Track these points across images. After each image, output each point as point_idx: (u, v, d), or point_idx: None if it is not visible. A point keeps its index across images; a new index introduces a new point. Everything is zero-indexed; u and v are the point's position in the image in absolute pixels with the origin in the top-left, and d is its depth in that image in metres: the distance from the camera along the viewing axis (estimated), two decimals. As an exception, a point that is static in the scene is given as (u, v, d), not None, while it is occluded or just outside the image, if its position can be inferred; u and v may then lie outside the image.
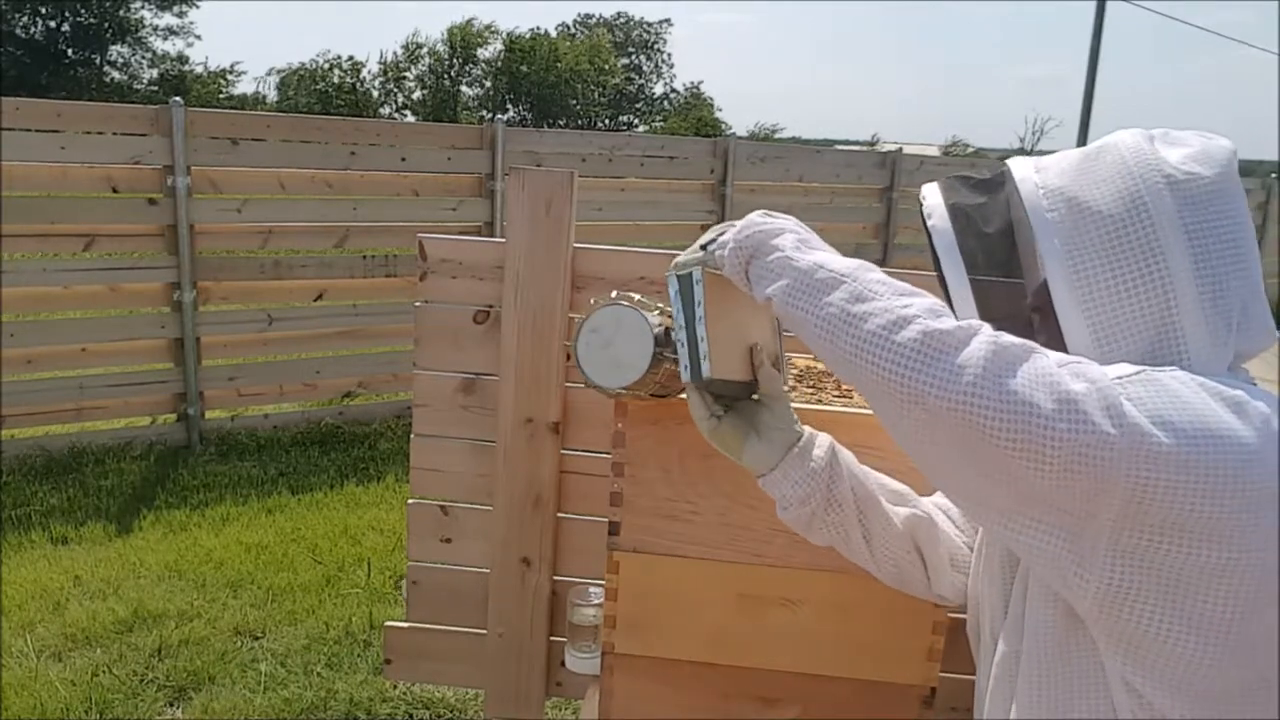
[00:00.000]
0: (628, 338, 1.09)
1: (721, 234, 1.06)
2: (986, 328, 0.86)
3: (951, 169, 9.30)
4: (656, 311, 1.11)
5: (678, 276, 1.05)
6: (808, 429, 1.11)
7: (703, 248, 1.07)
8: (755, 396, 1.11)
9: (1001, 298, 0.96)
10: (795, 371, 1.47)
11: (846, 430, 1.24)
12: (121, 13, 27.13)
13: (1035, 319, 0.94)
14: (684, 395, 1.10)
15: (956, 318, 0.89)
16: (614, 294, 1.12)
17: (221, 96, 27.61)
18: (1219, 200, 0.91)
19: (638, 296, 1.11)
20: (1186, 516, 0.78)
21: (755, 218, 1.04)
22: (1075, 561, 0.83)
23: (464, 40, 31.87)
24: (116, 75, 27.95)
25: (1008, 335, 0.85)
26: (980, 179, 1.03)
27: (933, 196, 1.03)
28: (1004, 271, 0.96)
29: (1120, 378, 0.83)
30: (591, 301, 1.12)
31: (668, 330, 1.07)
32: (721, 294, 1.04)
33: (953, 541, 1.17)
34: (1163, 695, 0.84)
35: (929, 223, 1.01)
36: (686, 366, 1.03)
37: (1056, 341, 0.92)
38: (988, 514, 0.87)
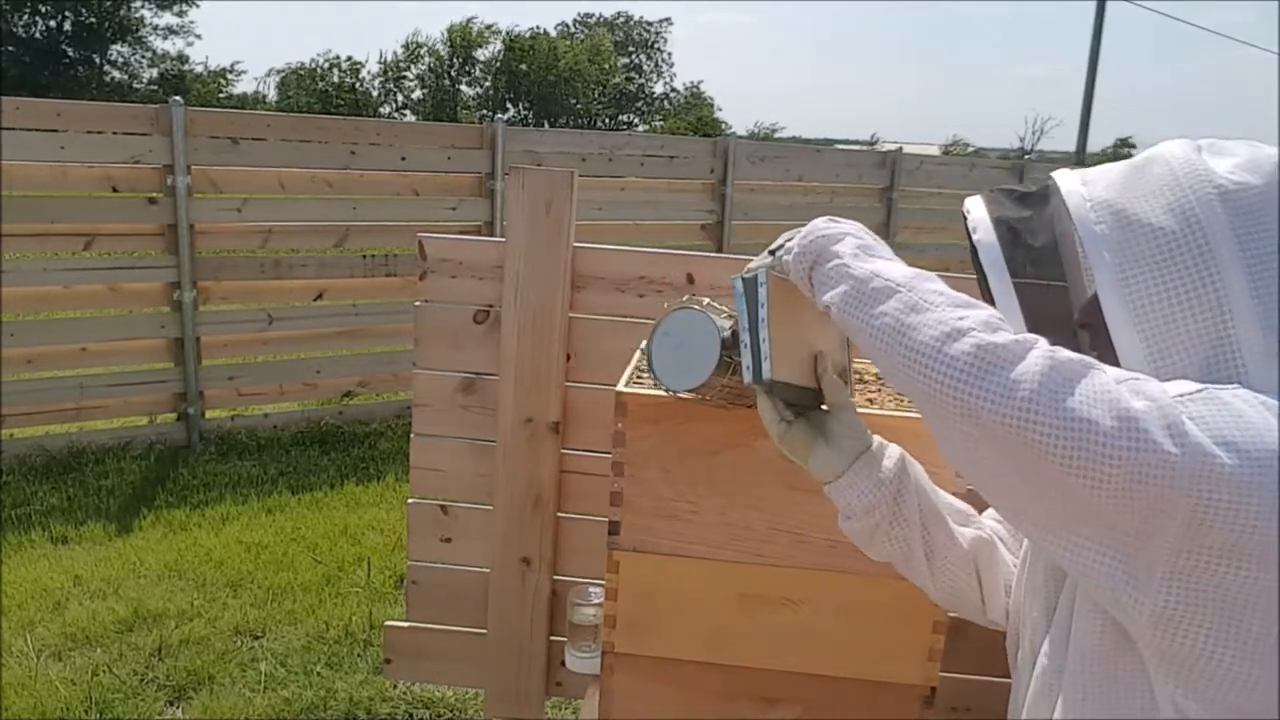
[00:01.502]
0: (695, 340, 1.10)
1: (790, 239, 1.05)
2: (1043, 342, 0.84)
3: (951, 168, 9.30)
4: (726, 316, 1.12)
5: (743, 279, 1.05)
6: (878, 439, 1.10)
7: (771, 253, 1.07)
8: (823, 406, 1.11)
9: (1051, 313, 0.93)
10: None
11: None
12: (121, 12, 27.14)
13: (1085, 335, 0.92)
14: (755, 405, 1.10)
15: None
16: (685, 298, 1.14)
17: (221, 96, 27.61)
18: (1270, 209, 0.88)
19: (708, 300, 1.13)
20: (1248, 539, 0.76)
21: (819, 223, 1.03)
22: (1129, 582, 0.81)
23: (464, 40, 31.88)
24: (116, 75, 27.97)
25: (1065, 350, 0.82)
26: (1026, 192, 1.00)
27: (977, 210, 1.01)
28: (1052, 288, 0.94)
29: (1182, 395, 0.81)
30: (665, 305, 1.14)
31: (736, 334, 1.08)
32: (789, 301, 1.05)
33: (1007, 565, 1.16)
34: (1213, 717, 0.82)
35: (974, 237, 0.99)
36: (749, 368, 1.04)
37: (1109, 358, 0.89)
38: (1039, 531, 0.85)
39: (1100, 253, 0.91)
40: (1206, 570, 0.78)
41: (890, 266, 0.95)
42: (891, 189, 7.78)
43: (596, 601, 1.56)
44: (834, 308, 0.96)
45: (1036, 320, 0.93)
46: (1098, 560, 0.81)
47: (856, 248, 0.99)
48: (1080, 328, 0.92)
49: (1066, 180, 0.98)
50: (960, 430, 0.84)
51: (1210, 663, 0.80)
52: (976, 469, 0.87)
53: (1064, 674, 0.94)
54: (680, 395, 1.13)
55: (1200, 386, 0.83)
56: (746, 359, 1.04)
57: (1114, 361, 0.89)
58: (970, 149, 37.51)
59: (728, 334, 1.09)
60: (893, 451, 1.10)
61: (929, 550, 1.10)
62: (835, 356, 1.14)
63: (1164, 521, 0.77)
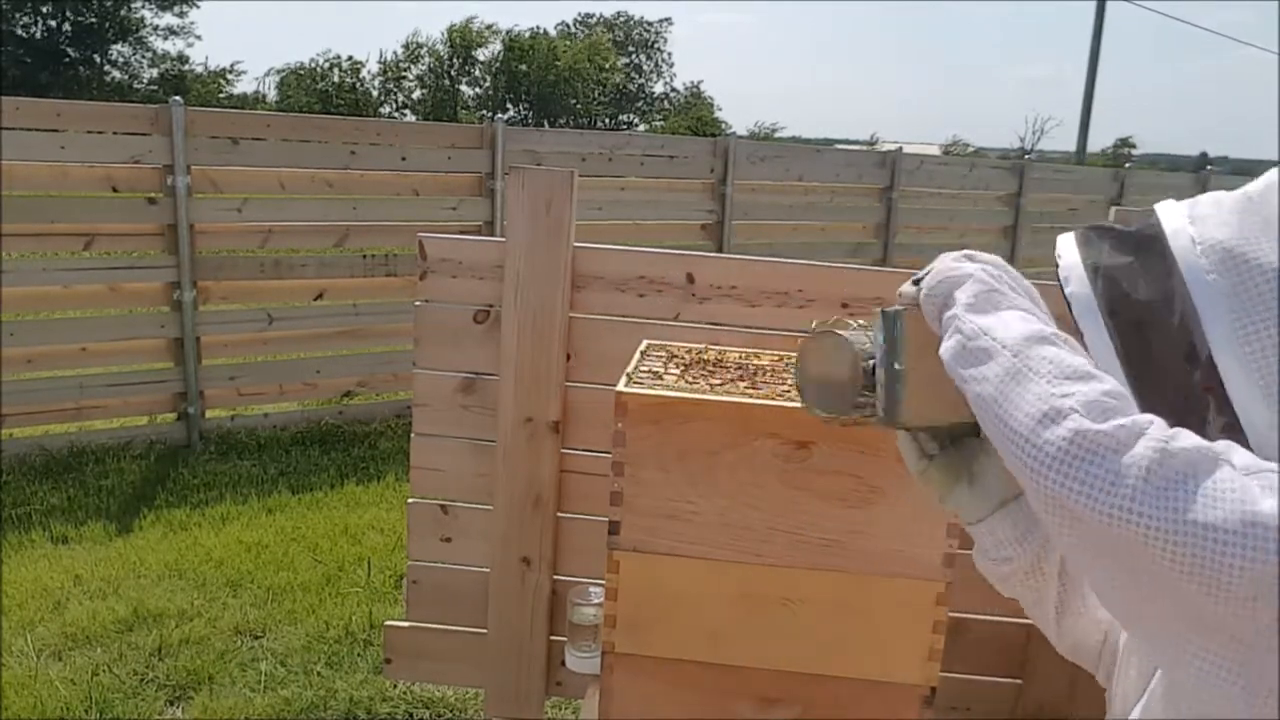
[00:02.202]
0: (836, 370, 1.06)
1: (929, 270, 0.96)
2: (1157, 426, 0.73)
3: (951, 168, 9.29)
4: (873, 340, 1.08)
5: (884, 313, 1.00)
6: None
7: (915, 282, 0.98)
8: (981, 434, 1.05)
9: (1163, 381, 0.81)
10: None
11: (843, 430, 1.24)
12: (122, 12, 27.12)
13: (1210, 402, 0.79)
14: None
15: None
16: (833, 320, 1.10)
17: (221, 96, 27.59)
18: None
19: (857, 323, 1.07)
20: None
21: (946, 261, 0.93)
22: (1243, 691, 0.73)
23: (464, 40, 31.88)
24: (117, 75, 27.95)
25: (1185, 437, 0.72)
26: (1126, 232, 0.88)
27: (1069, 254, 0.89)
28: (1163, 348, 0.81)
29: None
30: (813, 324, 1.11)
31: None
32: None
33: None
34: None
35: (1066, 290, 0.87)
36: (883, 406, 0.99)
37: (1235, 429, 0.77)
38: (1144, 632, 0.77)
39: (1213, 306, 0.79)
40: None
41: (1004, 322, 0.84)
42: (891, 189, 7.78)
43: (596, 601, 1.56)
44: (945, 361, 0.87)
45: (1147, 392, 0.82)
46: (1209, 669, 0.73)
47: (974, 295, 0.88)
48: (1204, 392, 0.79)
49: (1171, 217, 0.85)
50: (1054, 521, 0.76)
51: None
52: (1077, 561, 0.78)
53: None
54: (824, 420, 1.08)
55: None
56: (881, 398, 0.98)
57: (1240, 433, 0.77)
58: (970, 149, 37.50)
59: (869, 364, 1.03)
60: None
61: (1061, 606, 1.03)
62: None
63: None
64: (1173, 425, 0.77)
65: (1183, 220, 0.84)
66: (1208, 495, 0.69)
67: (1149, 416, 0.74)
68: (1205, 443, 0.71)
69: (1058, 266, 0.90)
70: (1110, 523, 0.71)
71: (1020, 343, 0.82)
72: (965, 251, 0.94)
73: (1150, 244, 0.84)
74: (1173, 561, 0.69)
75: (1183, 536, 0.68)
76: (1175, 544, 0.68)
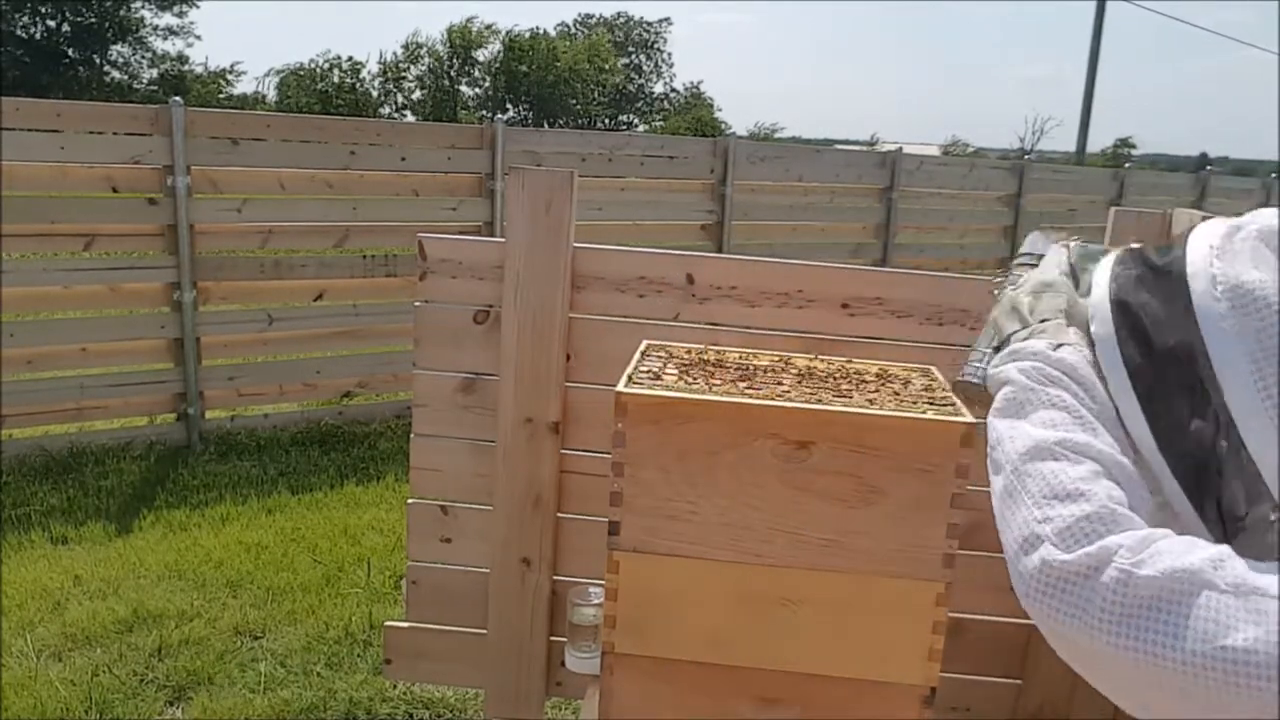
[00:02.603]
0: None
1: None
2: (1127, 549, 0.72)
3: (951, 168, 9.29)
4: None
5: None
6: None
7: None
8: None
9: (1182, 428, 0.79)
10: (795, 372, 1.47)
11: (846, 430, 1.24)
12: (121, 13, 27.11)
13: (1228, 448, 0.76)
14: None
15: (1135, 449, 0.79)
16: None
17: (221, 96, 27.60)
18: None
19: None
20: None
21: (1004, 353, 0.95)
22: None
23: (464, 40, 31.87)
24: (117, 75, 27.95)
25: (1160, 558, 0.70)
26: (1155, 264, 0.85)
27: (1099, 289, 0.87)
28: (1182, 393, 0.79)
29: None
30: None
31: None
32: None
33: None
34: None
35: (1092, 328, 0.86)
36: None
37: (1254, 478, 0.74)
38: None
39: (1226, 349, 0.76)
40: None
41: (1017, 433, 0.85)
42: (891, 189, 7.78)
43: (596, 601, 1.56)
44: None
45: (1168, 437, 0.80)
46: None
47: (1004, 400, 0.89)
48: (1224, 439, 0.76)
49: (1198, 248, 0.81)
50: (1048, 637, 0.78)
51: None
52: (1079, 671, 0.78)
53: None
54: None
55: None
56: None
57: (1259, 481, 0.74)
58: (970, 149, 37.51)
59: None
60: None
61: None
62: None
63: None
64: (1193, 473, 0.78)
65: (1205, 252, 0.81)
66: (1176, 627, 0.67)
67: (1125, 537, 0.73)
68: (1183, 564, 0.69)
69: (1090, 294, 0.90)
70: (1087, 643, 0.72)
71: (1021, 458, 0.83)
72: (1029, 330, 0.93)
73: (1174, 281, 0.81)
74: (1149, 682, 0.69)
75: (1154, 665, 0.68)
76: (1149, 668, 0.68)
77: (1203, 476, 0.78)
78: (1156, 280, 0.83)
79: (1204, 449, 0.78)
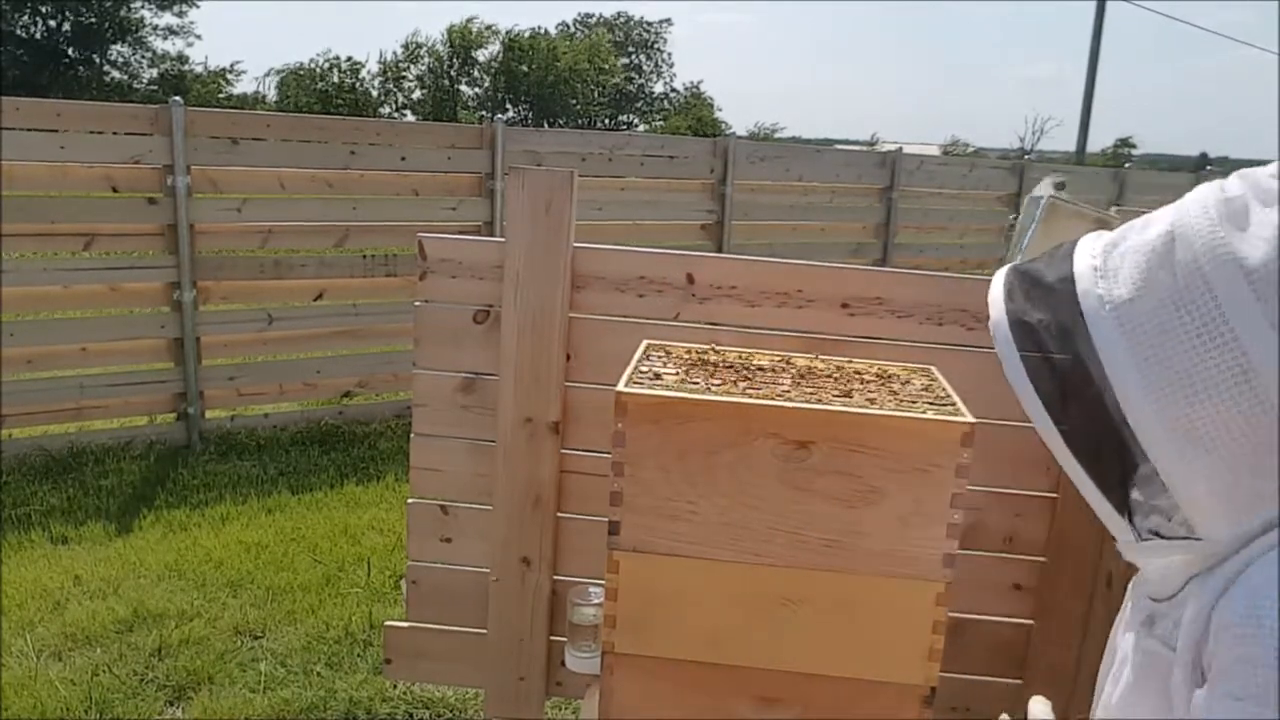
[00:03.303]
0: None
1: None
2: None
3: (951, 168, 9.29)
4: None
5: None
6: None
7: None
8: None
9: (1089, 430, 0.89)
10: (795, 372, 1.47)
11: (846, 430, 1.24)
12: (121, 12, 27.11)
13: (1131, 446, 0.87)
14: None
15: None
16: None
17: (221, 96, 27.59)
18: None
19: None
20: None
21: None
22: None
23: (463, 40, 31.87)
24: (116, 75, 27.95)
25: None
26: (1044, 284, 0.93)
27: (995, 308, 0.95)
28: (1083, 398, 0.88)
29: None
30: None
31: None
32: None
33: None
34: None
35: (995, 345, 0.94)
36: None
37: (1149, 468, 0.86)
38: None
39: (1121, 367, 0.85)
40: None
41: None
42: (891, 189, 7.78)
43: (596, 601, 1.56)
44: None
45: (1072, 437, 0.89)
46: None
47: None
48: (1124, 427, 0.86)
49: (1084, 268, 0.90)
50: None
51: None
52: None
53: None
54: None
55: None
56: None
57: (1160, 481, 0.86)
58: (970, 149, 37.50)
59: None
60: None
61: None
62: None
63: None
64: (1095, 469, 0.89)
65: (1091, 274, 0.89)
66: None
67: None
68: None
69: (989, 317, 0.97)
70: None
71: None
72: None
73: (1064, 299, 0.90)
74: None
75: None
76: None
77: (1103, 460, 0.89)
78: (1048, 298, 0.92)
79: (1106, 444, 0.88)
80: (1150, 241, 0.87)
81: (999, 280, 0.99)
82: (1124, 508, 0.91)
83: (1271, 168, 0.86)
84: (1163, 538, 0.90)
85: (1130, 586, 1.13)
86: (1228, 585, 0.84)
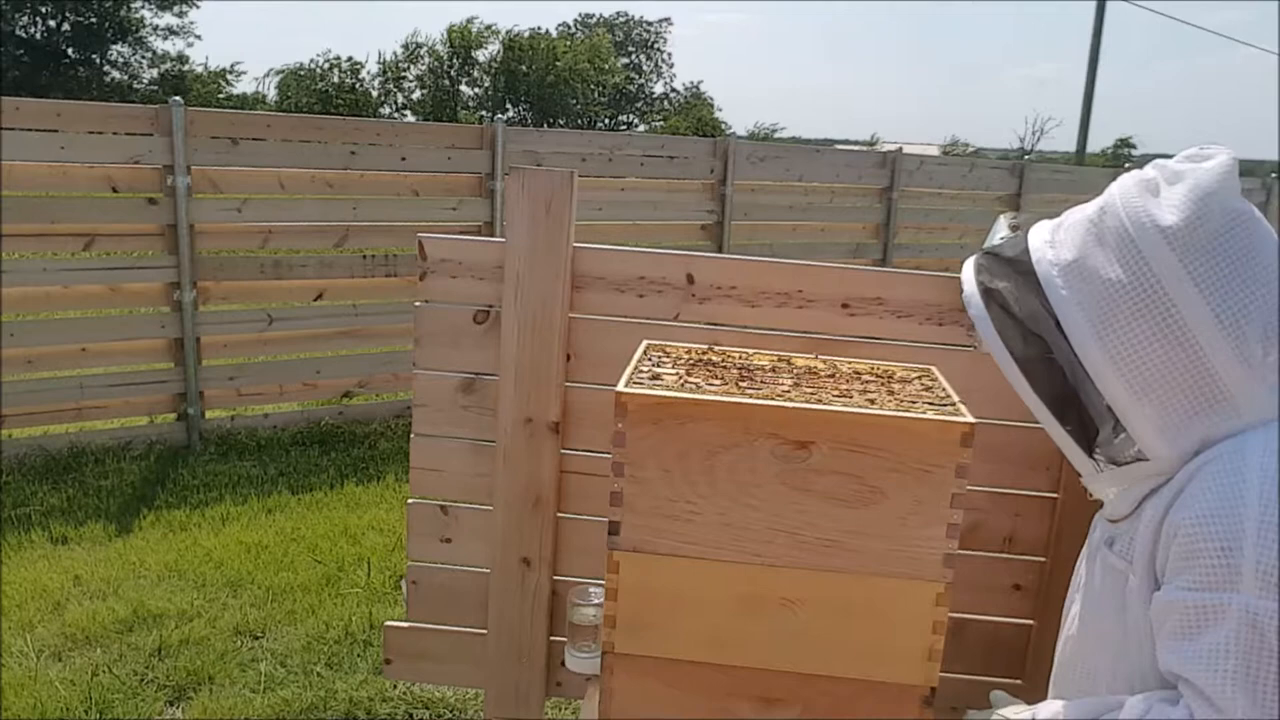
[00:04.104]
0: None
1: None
2: None
3: (951, 168, 9.29)
4: None
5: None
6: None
7: None
8: None
9: (1052, 378, 1.08)
10: (795, 372, 1.46)
11: (846, 430, 1.24)
12: (121, 13, 27.09)
13: (1092, 394, 1.05)
14: None
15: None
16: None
17: (221, 96, 27.58)
18: (1219, 236, 0.97)
19: None
20: None
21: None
22: None
23: (463, 40, 31.86)
24: (117, 75, 27.93)
25: None
26: (1008, 258, 1.15)
27: (968, 282, 1.17)
28: (1044, 351, 1.07)
29: None
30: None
31: None
32: None
33: None
34: None
35: (968, 311, 1.16)
36: None
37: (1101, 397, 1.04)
38: None
39: (1072, 316, 1.03)
40: None
41: None
42: (891, 189, 7.78)
43: (596, 601, 1.56)
44: None
45: (1038, 385, 1.09)
46: None
47: None
48: (1085, 381, 1.06)
49: (1037, 240, 1.11)
50: None
51: None
52: None
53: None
54: None
55: None
56: None
57: (1105, 406, 1.04)
58: (970, 149, 37.48)
59: None
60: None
61: None
62: None
63: None
64: (1059, 411, 1.08)
65: (1044, 244, 1.11)
66: None
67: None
68: None
69: (962, 291, 1.20)
70: None
71: None
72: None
73: (1023, 267, 1.11)
74: None
75: None
76: None
77: (1063, 402, 1.08)
78: (1011, 269, 1.14)
79: (1069, 392, 1.07)
80: (1087, 215, 1.08)
81: (968, 263, 1.21)
82: (1085, 444, 1.09)
83: (1179, 155, 1.06)
84: (1117, 464, 1.07)
85: (1094, 519, 1.27)
86: (1175, 497, 1.00)
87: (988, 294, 1.14)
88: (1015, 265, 1.12)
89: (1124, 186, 1.05)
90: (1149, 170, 1.05)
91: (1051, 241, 1.09)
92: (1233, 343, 0.95)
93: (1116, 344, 1.00)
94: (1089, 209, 1.08)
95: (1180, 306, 0.97)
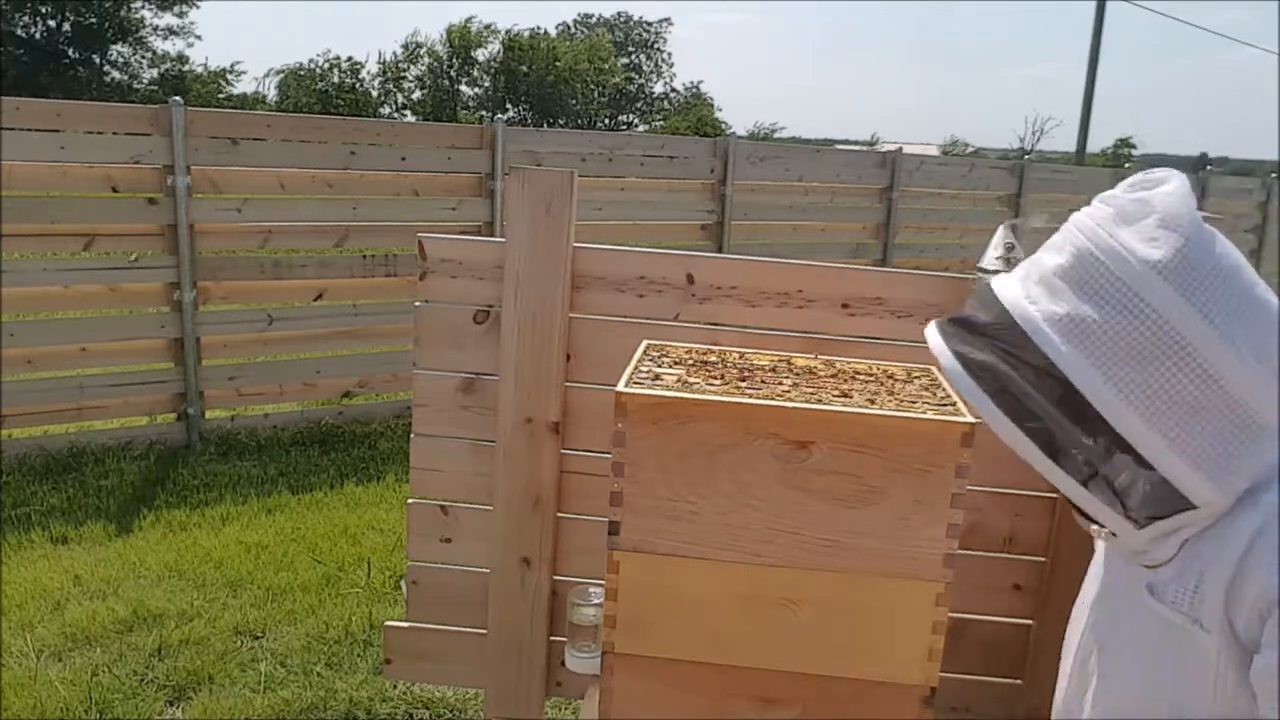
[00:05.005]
0: None
1: None
2: None
3: (951, 169, 9.29)
4: None
5: None
6: None
7: None
8: None
9: (1070, 445, 0.98)
10: (795, 372, 1.46)
11: (846, 430, 1.24)
12: (122, 13, 27.12)
13: (1115, 455, 0.96)
14: None
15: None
16: None
17: (221, 96, 27.60)
18: (1205, 256, 0.93)
19: None
20: None
21: None
22: None
23: (463, 40, 31.87)
24: (117, 75, 27.96)
25: None
26: (985, 324, 1.03)
27: (946, 359, 1.04)
28: (1053, 416, 0.98)
29: None
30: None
31: None
32: None
33: None
34: None
35: (956, 386, 1.03)
36: None
37: (1130, 452, 0.95)
38: None
39: (1088, 377, 0.95)
40: None
41: None
42: (891, 189, 7.78)
43: (596, 601, 1.56)
44: None
45: (1058, 456, 0.99)
46: None
47: None
48: (1110, 449, 0.96)
49: (1012, 299, 1.00)
50: None
51: None
52: None
53: None
54: None
55: None
56: None
57: (1137, 456, 0.94)
58: (970, 149, 37.50)
59: None
60: None
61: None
62: None
63: None
64: (1088, 479, 0.98)
65: (1020, 298, 1.00)
66: None
67: None
68: None
69: (940, 366, 1.06)
70: None
71: None
72: None
73: (1004, 328, 1.00)
74: None
75: None
76: None
77: (1095, 480, 0.98)
78: (992, 338, 1.02)
79: (1091, 457, 0.98)
80: (1060, 266, 0.99)
81: (933, 332, 1.07)
82: (1116, 504, 0.99)
83: (1124, 185, 1.00)
84: (1159, 518, 0.98)
85: (1101, 554, 1.21)
86: (1238, 552, 0.94)
87: (973, 365, 1.02)
88: (994, 325, 1.02)
89: (1088, 230, 0.98)
90: (1102, 208, 1.00)
91: (1031, 297, 1.00)
92: (1252, 366, 0.92)
93: (1142, 397, 0.93)
94: (1056, 260, 1.00)
95: (1193, 341, 0.91)
